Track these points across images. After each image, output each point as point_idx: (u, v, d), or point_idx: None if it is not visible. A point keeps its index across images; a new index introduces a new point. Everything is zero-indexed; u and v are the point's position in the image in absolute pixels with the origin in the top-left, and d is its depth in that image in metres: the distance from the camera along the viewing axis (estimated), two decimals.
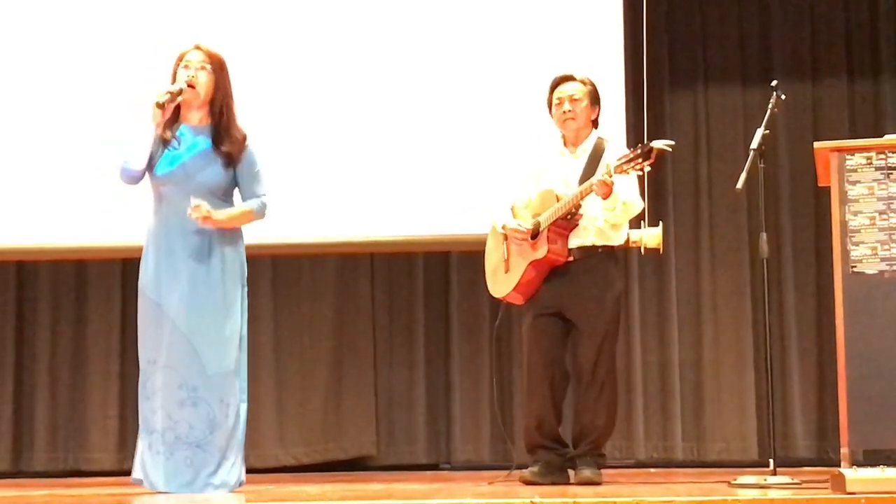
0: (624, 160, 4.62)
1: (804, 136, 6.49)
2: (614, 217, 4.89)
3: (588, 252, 4.91)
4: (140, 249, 4.68)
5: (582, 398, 4.92)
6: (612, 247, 4.98)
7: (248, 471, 4.79)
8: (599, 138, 5.03)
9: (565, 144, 5.07)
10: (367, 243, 6.41)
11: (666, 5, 6.76)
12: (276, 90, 6.29)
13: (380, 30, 6.39)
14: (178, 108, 4.66)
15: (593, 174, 4.81)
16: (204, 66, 4.62)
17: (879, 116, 6.63)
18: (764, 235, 4.60)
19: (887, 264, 4.35)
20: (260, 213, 4.71)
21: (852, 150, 4.46)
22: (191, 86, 4.60)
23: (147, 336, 4.59)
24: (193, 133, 4.65)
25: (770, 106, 4.69)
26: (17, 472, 6.63)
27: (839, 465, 4.26)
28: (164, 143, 4.62)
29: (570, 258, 4.89)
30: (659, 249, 6.12)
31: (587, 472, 4.79)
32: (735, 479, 4.47)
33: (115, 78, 6.27)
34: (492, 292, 5.19)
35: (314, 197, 6.27)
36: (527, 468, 4.91)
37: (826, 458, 6.29)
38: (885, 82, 6.68)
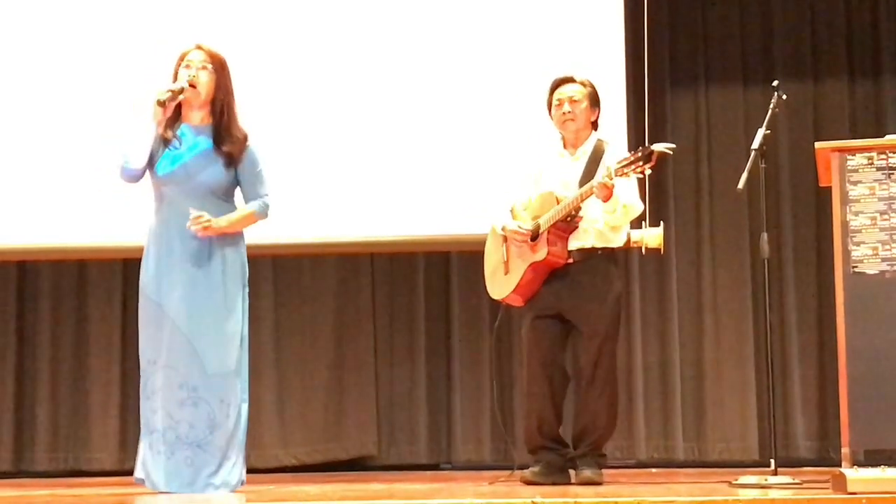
0: (624, 163, 4.62)
1: (805, 136, 6.49)
2: (614, 219, 4.89)
3: (588, 254, 4.91)
4: (141, 249, 4.68)
5: (582, 399, 4.92)
6: (612, 249, 4.98)
7: (249, 471, 4.79)
8: (599, 140, 5.03)
9: (565, 146, 5.07)
10: (368, 243, 6.41)
11: (667, 5, 6.76)
12: (278, 90, 6.29)
13: (380, 30, 6.39)
14: (179, 108, 4.66)
15: (593, 176, 4.81)
16: (205, 65, 4.63)
17: (880, 116, 6.62)
18: (765, 235, 4.60)
19: (888, 264, 4.35)
20: (262, 213, 4.71)
21: (853, 151, 4.46)
22: (192, 85, 4.60)
23: (147, 336, 4.59)
24: (194, 133, 4.65)
25: (771, 106, 4.69)
26: (18, 472, 6.63)
27: (840, 465, 4.26)
28: (164, 142, 4.62)
29: (570, 260, 4.89)
30: (660, 249, 6.12)
31: (588, 473, 4.80)
32: (736, 479, 4.47)
33: (116, 78, 6.26)
34: (491, 294, 5.19)
35: (315, 197, 6.27)
36: (528, 468, 4.92)
37: (827, 458, 6.28)
38: (886, 82, 6.68)
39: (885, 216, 4.38)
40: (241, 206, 4.70)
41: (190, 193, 4.58)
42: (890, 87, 6.67)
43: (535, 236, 4.90)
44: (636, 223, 5.96)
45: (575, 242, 4.90)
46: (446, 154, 6.30)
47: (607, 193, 4.69)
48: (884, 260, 4.35)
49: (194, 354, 4.51)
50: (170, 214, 4.59)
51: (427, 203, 6.29)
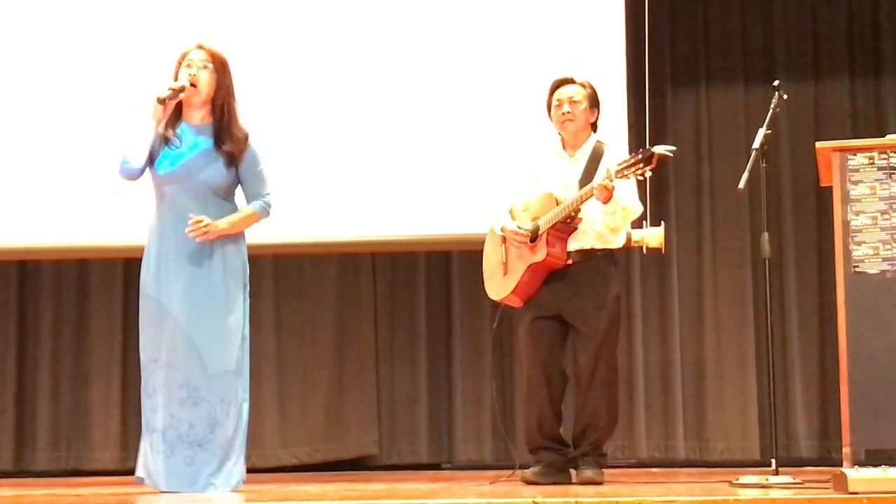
0: (625, 165, 4.62)
1: (806, 135, 6.48)
2: (614, 221, 4.89)
3: (587, 255, 4.91)
4: (142, 249, 4.68)
5: (582, 399, 4.92)
6: (611, 250, 4.98)
7: (250, 470, 4.79)
8: (598, 142, 5.03)
9: (564, 147, 5.07)
10: (369, 243, 6.41)
11: (668, 5, 6.76)
12: (279, 90, 6.29)
13: (381, 30, 6.39)
14: (179, 107, 4.66)
15: (592, 178, 4.81)
16: (206, 65, 4.63)
17: (881, 116, 6.62)
18: (766, 235, 4.60)
19: (889, 264, 4.35)
20: (264, 213, 4.71)
21: (854, 150, 4.46)
22: (192, 84, 4.60)
23: (148, 335, 4.60)
24: (195, 132, 4.65)
25: (772, 106, 4.68)
26: (18, 471, 6.64)
27: (841, 465, 4.26)
28: (165, 140, 4.62)
29: (569, 261, 4.89)
30: (661, 249, 6.13)
31: (589, 472, 4.80)
32: (737, 479, 4.47)
33: (116, 78, 6.27)
34: (489, 295, 5.19)
35: (316, 197, 6.28)
36: (529, 468, 4.92)
37: (828, 457, 6.28)
38: (887, 82, 6.68)
39: (886, 216, 4.38)
40: (243, 206, 4.71)
41: (191, 193, 4.58)
42: (891, 87, 6.67)
43: (534, 237, 4.90)
44: (637, 223, 5.97)
45: (574, 244, 4.90)
46: (447, 154, 6.30)
47: (607, 195, 4.69)
48: (885, 259, 4.35)
49: (195, 353, 4.51)
50: (170, 214, 4.59)
51: (428, 203, 6.29)
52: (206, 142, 4.63)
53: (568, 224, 4.86)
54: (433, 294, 6.81)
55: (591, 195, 4.72)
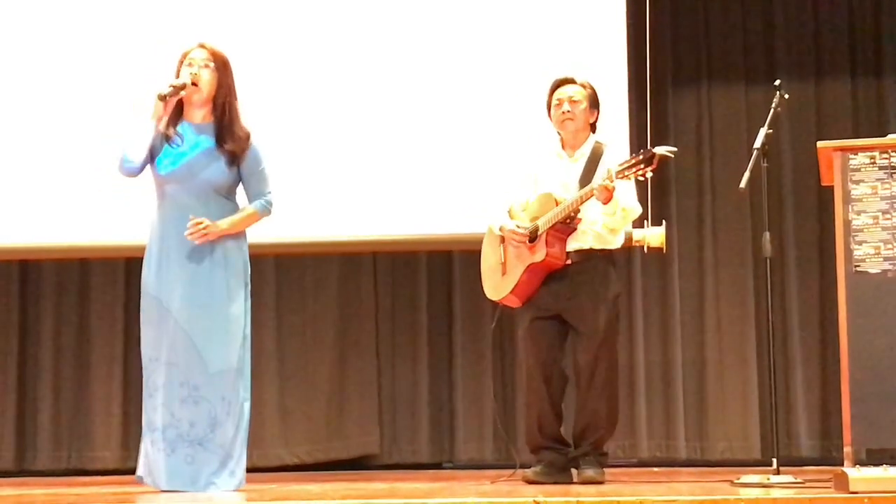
0: (625, 165, 4.61)
1: (807, 135, 6.49)
2: (613, 222, 4.88)
3: (586, 256, 4.90)
4: (143, 248, 4.69)
5: (582, 399, 4.92)
6: (610, 251, 4.98)
7: (252, 470, 4.79)
8: (597, 142, 5.02)
9: (563, 147, 5.07)
10: (370, 242, 6.42)
11: (669, 5, 6.76)
12: (280, 90, 6.29)
13: (383, 29, 6.39)
14: (180, 106, 4.67)
15: (591, 178, 4.81)
16: (207, 64, 4.63)
17: (883, 116, 6.62)
18: (767, 235, 4.59)
19: (890, 263, 4.35)
20: (265, 212, 4.72)
21: (855, 150, 4.46)
22: (194, 83, 4.60)
23: (149, 333, 4.60)
24: (195, 131, 4.65)
25: (773, 105, 4.68)
26: (20, 470, 6.64)
27: (842, 465, 4.26)
28: (166, 139, 4.62)
29: (568, 262, 4.89)
30: (662, 248, 6.14)
31: (590, 472, 4.80)
32: (738, 479, 4.47)
33: (116, 78, 6.27)
34: (488, 295, 5.18)
35: (317, 196, 6.28)
36: (530, 468, 4.92)
37: (829, 457, 6.28)
38: (889, 81, 6.68)
39: (888, 215, 4.38)
40: (244, 205, 4.71)
41: (192, 192, 4.59)
42: (892, 87, 6.67)
43: (533, 237, 4.90)
44: (638, 222, 5.97)
45: (573, 244, 4.89)
46: (448, 153, 6.30)
47: (608, 196, 4.68)
48: (886, 259, 4.35)
49: (196, 352, 4.52)
50: (172, 213, 4.60)
51: (429, 202, 6.29)
52: (208, 141, 4.64)
53: (567, 224, 4.86)
54: (434, 294, 6.81)
55: (592, 195, 4.72)
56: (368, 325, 6.80)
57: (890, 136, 4.51)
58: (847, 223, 4.41)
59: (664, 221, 6.18)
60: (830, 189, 4.55)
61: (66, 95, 6.34)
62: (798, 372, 6.58)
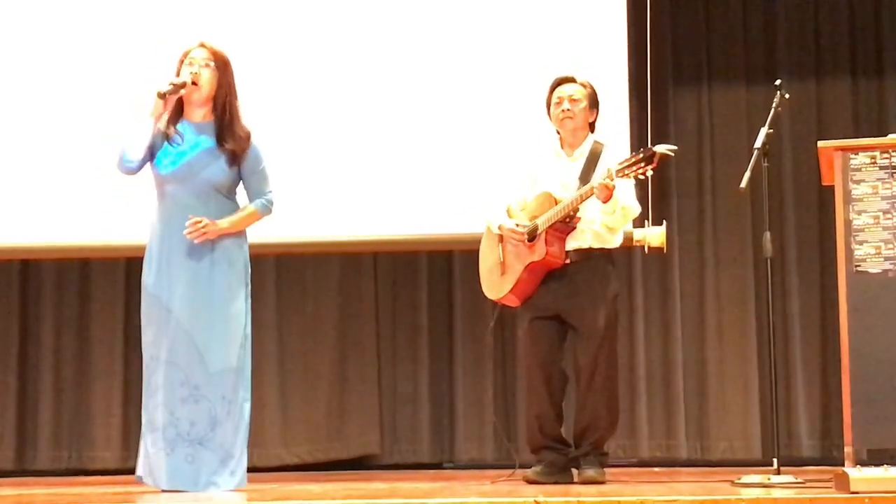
0: (626, 164, 4.61)
1: (808, 135, 6.49)
2: (613, 221, 4.88)
3: (585, 255, 4.90)
4: (143, 248, 4.69)
5: (582, 398, 4.92)
6: (609, 250, 4.98)
7: (252, 470, 4.80)
8: (596, 142, 5.02)
9: (562, 146, 5.07)
10: (371, 242, 6.41)
11: (670, 4, 6.76)
12: (281, 89, 6.29)
13: (383, 29, 6.39)
14: (180, 105, 4.67)
15: (590, 177, 4.82)
16: (208, 63, 4.63)
17: (883, 115, 6.62)
18: (768, 234, 4.59)
19: (891, 263, 4.34)
20: (265, 211, 4.72)
21: (856, 150, 4.45)
22: (194, 82, 4.60)
23: (150, 333, 4.61)
24: (196, 131, 4.66)
25: (774, 105, 4.68)
26: (20, 470, 6.63)
27: (843, 465, 4.25)
28: (166, 137, 4.63)
29: (568, 261, 4.88)
30: (663, 248, 6.13)
31: (590, 472, 4.80)
32: (739, 479, 4.47)
33: (116, 78, 6.27)
34: (487, 294, 5.18)
35: (318, 196, 6.28)
36: (530, 468, 4.92)
37: (830, 457, 6.27)
38: (889, 81, 6.67)
39: (888, 215, 4.37)
40: (244, 205, 4.71)
41: (193, 191, 4.59)
42: (893, 86, 6.67)
43: (532, 237, 4.89)
44: (639, 222, 5.97)
45: (572, 243, 4.89)
46: (449, 153, 6.30)
47: (608, 194, 4.68)
48: (887, 259, 4.35)
49: (196, 351, 4.52)
50: (172, 212, 4.60)
51: (430, 202, 6.29)
52: (208, 140, 4.64)
53: (567, 223, 4.86)
54: (435, 293, 6.81)
55: (592, 194, 4.72)
56: (369, 325, 6.79)
57: (890, 135, 4.50)
58: (848, 223, 4.40)
59: (665, 221, 6.17)
60: (831, 189, 4.55)
61: (66, 95, 6.34)
62: (799, 372, 6.58)
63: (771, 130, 4.62)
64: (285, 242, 6.22)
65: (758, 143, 4.59)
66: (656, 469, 6.26)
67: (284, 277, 6.80)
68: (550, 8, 6.36)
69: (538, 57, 6.20)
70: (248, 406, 4.63)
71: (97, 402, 6.72)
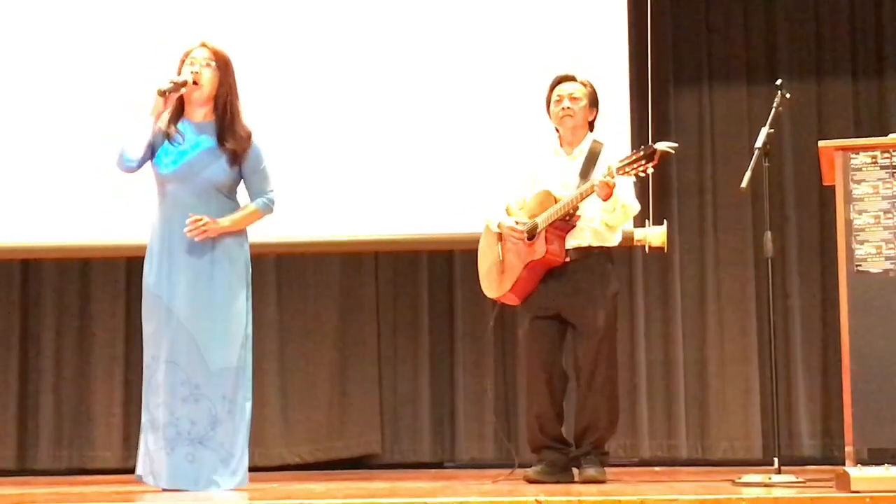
0: (626, 161, 4.62)
1: (809, 134, 6.48)
2: (612, 219, 4.88)
3: (585, 253, 4.91)
4: (144, 248, 4.69)
5: (583, 398, 4.92)
6: (608, 248, 4.98)
7: (253, 469, 4.79)
8: (595, 141, 5.03)
9: (561, 144, 5.07)
10: (372, 242, 6.41)
11: (670, 4, 6.76)
12: (281, 89, 6.30)
13: (384, 29, 6.39)
14: (181, 105, 4.67)
15: (589, 176, 4.82)
16: (209, 63, 4.64)
17: (884, 115, 6.62)
18: (768, 234, 4.59)
19: (892, 263, 4.34)
20: (267, 210, 4.73)
21: (857, 149, 4.45)
22: (195, 82, 4.60)
23: (151, 332, 4.61)
24: (196, 130, 4.66)
25: (775, 105, 4.68)
26: (21, 469, 6.64)
27: (844, 464, 4.25)
28: (167, 137, 4.63)
29: (567, 259, 4.88)
30: (663, 248, 6.13)
31: (591, 471, 4.80)
32: (739, 478, 4.47)
33: (116, 78, 6.27)
34: (486, 293, 5.18)
35: (318, 196, 6.28)
36: (529, 467, 4.92)
37: (831, 456, 6.27)
38: (890, 81, 6.67)
39: (889, 215, 4.37)
40: (245, 203, 4.71)
41: (194, 191, 4.59)
42: (894, 86, 6.67)
43: (531, 235, 4.89)
44: (639, 222, 5.98)
45: (571, 241, 4.89)
46: (450, 153, 6.31)
47: (608, 192, 4.68)
48: (887, 258, 4.34)
49: (197, 351, 4.52)
50: (173, 211, 4.60)
51: (430, 202, 6.30)
52: (209, 140, 4.64)
53: (567, 221, 4.86)
54: (435, 293, 6.81)
55: (592, 192, 4.72)
56: (370, 324, 6.80)
57: (891, 135, 4.50)
58: (848, 223, 4.40)
59: (665, 221, 6.17)
60: (832, 188, 4.54)
61: (67, 95, 6.35)
62: (799, 371, 6.58)
63: (772, 130, 4.62)
64: (286, 242, 6.23)
65: (758, 143, 4.59)
66: (657, 468, 6.26)
67: (285, 277, 6.80)
68: (551, 8, 6.36)
69: (539, 57, 6.20)
70: (249, 405, 4.63)
71: (98, 402, 6.73)
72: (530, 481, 4.83)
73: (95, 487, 5.16)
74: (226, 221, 4.61)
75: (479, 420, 6.68)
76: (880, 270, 4.36)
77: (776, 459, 4.48)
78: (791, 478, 4.35)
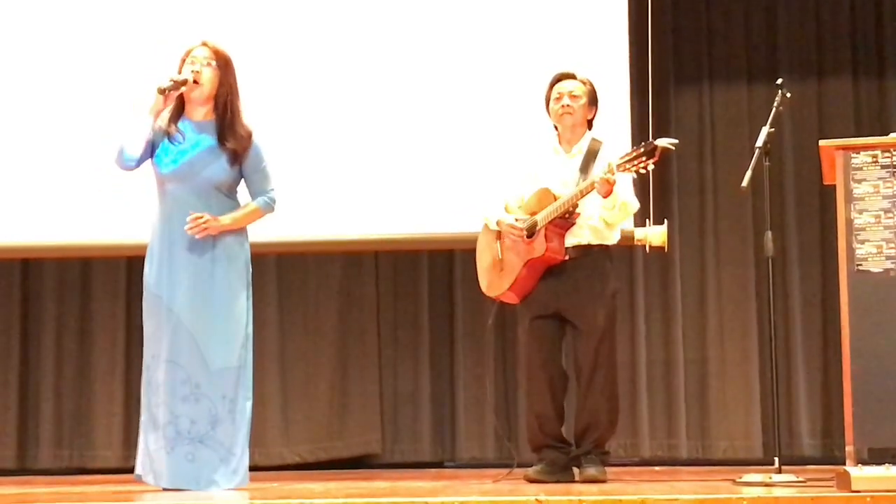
0: (627, 158, 4.62)
1: (809, 134, 6.48)
2: (612, 216, 4.88)
3: (584, 251, 4.91)
4: (145, 247, 4.69)
5: (583, 397, 4.92)
6: (608, 246, 4.98)
7: (253, 468, 4.79)
8: (594, 139, 5.03)
9: (560, 142, 5.07)
10: (372, 241, 6.42)
11: (671, 3, 6.76)
12: (282, 89, 6.30)
13: (384, 29, 6.39)
14: (182, 103, 4.67)
15: (588, 174, 4.82)
16: (210, 62, 4.64)
17: (885, 114, 6.62)
18: (769, 234, 4.59)
19: (893, 262, 4.34)
20: (268, 208, 4.73)
21: (858, 149, 4.44)
22: (195, 81, 4.60)
23: (151, 331, 4.61)
24: (196, 130, 4.66)
25: (775, 104, 4.68)
26: (22, 469, 6.64)
27: (844, 464, 4.25)
28: (167, 136, 4.63)
29: (566, 257, 4.88)
30: (664, 247, 6.13)
31: (592, 471, 4.80)
32: (740, 478, 4.47)
33: (116, 78, 6.27)
34: (485, 291, 5.17)
35: (319, 195, 6.28)
36: (530, 467, 4.92)
37: (831, 456, 6.27)
38: (891, 80, 6.67)
39: (890, 214, 4.37)
40: (246, 202, 4.71)
41: (194, 190, 4.60)
42: (894, 85, 6.67)
43: (531, 233, 4.89)
44: (640, 221, 5.97)
45: (571, 239, 4.90)
46: (450, 152, 6.31)
47: (608, 188, 4.68)
48: (888, 258, 4.34)
49: (197, 350, 4.52)
50: (174, 211, 4.60)
51: (431, 201, 6.29)
52: (209, 139, 4.64)
53: (566, 219, 4.86)
54: (436, 293, 6.81)
55: (592, 189, 4.72)
56: (370, 324, 6.80)
57: (892, 134, 4.49)
58: (849, 222, 4.40)
59: (666, 220, 6.17)
60: (832, 188, 4.54)
61: (67, 95, 6.35)
62: (800, 371, 6.58)
63: (772, 129, 4.62)
64: (286, 241, 6.23)
65: (759, 143, 4.59)
66: (657, 468, 6.26)
67: (286, 276, 6.80)
68: (551, 7, 6.36)
69: (539, 56, 6.20)
70: (249, 405, 4.63)
71: (98, 401, 6.73)
72: (531, 481, 4.83)
73: (96, 487, 5.16)
74: (227, 219, 4.61)
75: (479, 420, 6.68)
76: (881, 270, 4.35)
77: (777, 459, 4.48)
78: (791, 477, 4.35)
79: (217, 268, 4.59)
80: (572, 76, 5.06)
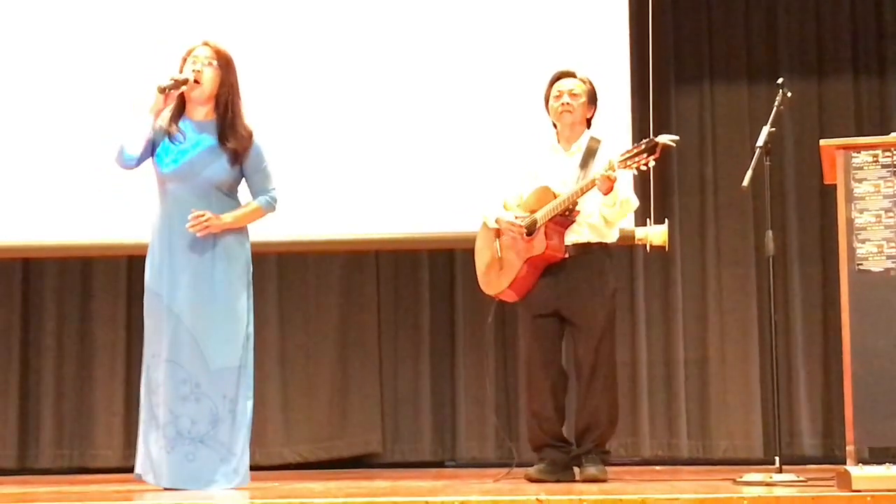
0: (628, 155, 4.63)
1: (810, 133, 6.49)
2: (612, 214, 4.88)
3: (583, 249, 4.91)
4: (145, 247, 4.69)
5: (583, 396, 4.92)
6: (607, 244, 4.98)
7: (254, 468, 4.79)
8: (592, 138, 5.03)
9: (559, 141, 5.08)
10: (373, 241, 6.41)
11: (671, 3, 6.76)
12: (283, 89, 6.29)
13: (385, 28, 6.39)
14: (182, 104, 4.67)
15: (587, 172, 4.82)
16: (211, 62, 4.64)
17: (885, 114, 6.62)
18: (770, 233, 4.59)
19: (893, 262, 4.34)
20: (269, 207, 4.74)
21: (858, 148, 4.44)
22: (196, 80, 4.60)
23: (151, 330, 4.61)
24: (197, 129, 4.66)
25: (776, 103, 4.69)
26: (22, 469, 6.64)
27: (845, 463, 4.25)
28: (168, 135, 4.63)
29: (566, 255, 4.88)
30: (664, 247, 6.13)
31: (592, 470, 4.80)
32: (740, 477, 4.48)
33: (116, 78, 6.26)
34: (484, 290, 5.17)
35: (319, 194, 6.28)
36: (530, 466, 4.92)
37: (832, 455, 6.27)
38: (891, 79, 6.67)
39: (891, 214, 4.37)
40: (247, 202, 4.71)
41: (195, 190, 4.60)
42: (895, 85, 6.66)
43: (531, 231, 4.89)
44: (640, 221, 5.97)
45: (570, 237, 4.90)
46: (451, 152, 6.30)
47: (609, 185, 4.69)
48: (889, 257, 4.34)
49: (198, 350, 4.53)
50: (174, 210, 4.60)
51: (431, 200, 6.29)
52: (210, 139, 4.64)
53: (566, 216, 4.86)
54: (436, 292, 6.81)
55: (593, 186, 4.72)
56: (370, 323, 6.79)
57: (893, 134, 4.50)
58: (850, 221, 4.40)
59: (666, 220, 6.17)
60: (833, 187, 4.54)
61: (67, 95, 6.34)
62: (800, 370, 6.58)
63: (773, 129, 4.62)
64: (287, 241, 6.22)
65: (760, 142, 4.59)
66: (658, 468, 6.26)
67: (286, 276, 6.80)
68: (552, 7, 6.36)
69: (540, 55, 6.19)
70: (250, 404, 4.63)
71: (99, 401, 6.73)
72: (531, 480, 4.83)
73: (96, 486, 5.16)
74: (228, 217, 4.61)
75: (479, 419, 6.68)
76: (881, 269, 4.35)
77: (777, 458, 4.48)
78: (792, 477, 4.36)
79: (217, 267, 4.59)
80: (572, 74, 5.07)
